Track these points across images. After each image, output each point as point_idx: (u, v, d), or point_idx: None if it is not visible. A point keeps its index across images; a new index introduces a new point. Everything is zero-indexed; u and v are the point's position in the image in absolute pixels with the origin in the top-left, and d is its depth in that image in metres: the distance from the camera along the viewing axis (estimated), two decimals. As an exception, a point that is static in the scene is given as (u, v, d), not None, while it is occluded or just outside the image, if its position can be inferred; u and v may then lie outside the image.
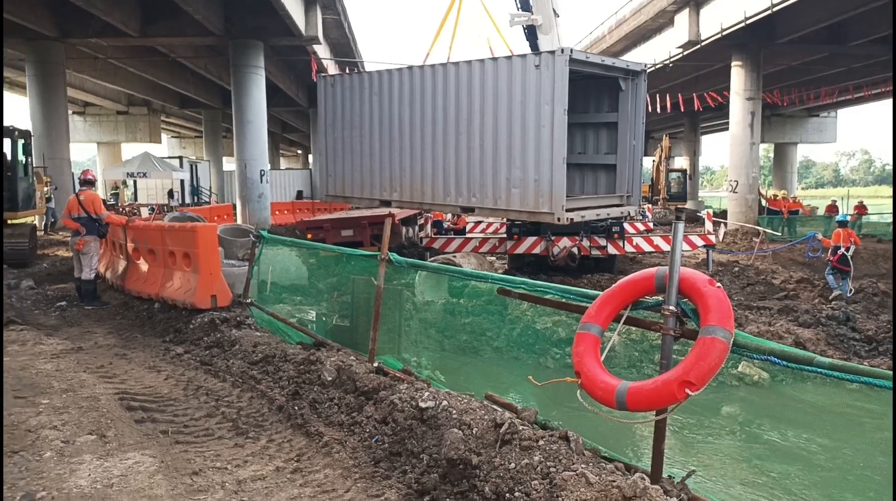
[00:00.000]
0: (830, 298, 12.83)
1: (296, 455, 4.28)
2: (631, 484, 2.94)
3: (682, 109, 29.84)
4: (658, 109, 27.47)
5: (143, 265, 9.39)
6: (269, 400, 5.28)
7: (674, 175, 35.65)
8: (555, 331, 8.35)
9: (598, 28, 34.37)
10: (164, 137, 54.88)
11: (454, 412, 4.02)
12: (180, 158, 40.64)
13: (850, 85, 32.21)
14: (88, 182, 10.25)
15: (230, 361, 6.36)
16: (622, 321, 3.59)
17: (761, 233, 21.04)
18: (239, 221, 22.91)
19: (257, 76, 23.38)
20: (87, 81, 33.13)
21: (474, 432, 3.75)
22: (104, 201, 11.11)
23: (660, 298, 3.45)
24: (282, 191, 39.96)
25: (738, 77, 24.81)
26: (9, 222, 14.31)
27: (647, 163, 40.26)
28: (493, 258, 16.35)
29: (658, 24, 27.56)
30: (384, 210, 16.18)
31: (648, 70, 14.04)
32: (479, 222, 19.18)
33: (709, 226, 16.81)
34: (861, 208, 29.42)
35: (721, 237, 21.99)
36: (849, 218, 18.15)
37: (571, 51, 11.72)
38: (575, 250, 13.99)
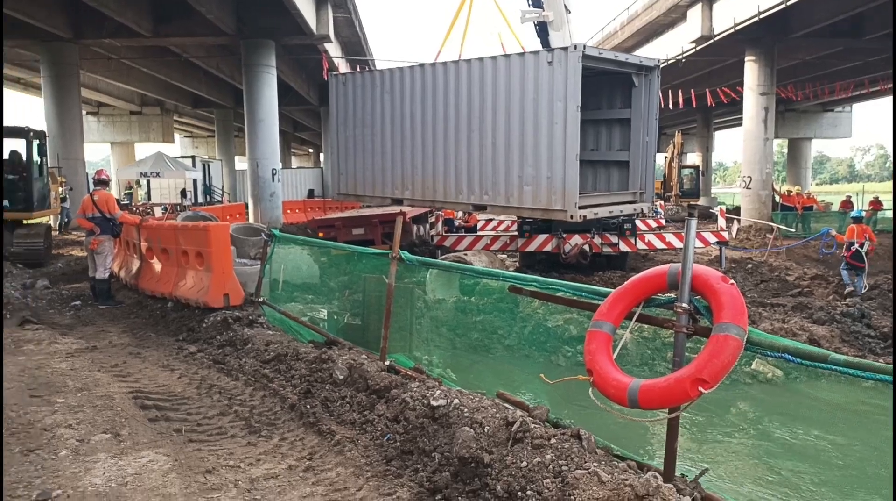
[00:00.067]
0: (845, 294, 12.72)
1: (308, 454, 4.30)
2: (643, 483, 2.92)
3: (695, 105, 29.62)
4: (670, 105, 27.30)
5: (157, 265, 9.44)
6: (281, 399, 5.30)
7: (686, 171, 35.41)
8: (566, 329, 8.31)
9: (610, 24, 34.28)
10: (176, 136, 55.26)
11: (466, 410, 4.01)
12: (193, 157, 40.93)
13: (866, 79, 31.84)
14: (102, 182, 10.32)
15: (243, 359, 6.39)
16: (634, 318, 3.56)
17: (775, 229, 20.87)
18: (251, 219, 23.02)
19: (269, 75, 23.46)
20: (101, 82, 33.38)
21: (486, 430, 3.74)
22: (118, 201, 11.18)
23: (672, 295, 3.42)
24: (293, 190, 40.11)
25: (752, 72, 24.60)
26: (24, 222, 14.46)
27: (660, 159, 40.00)
28: (505, 256, 16.32)
29: (670, 20, 27.39)
30: (395, 208, 16.18)
31: (661, 66, 13.95)
32: (490, 220, 19.14)
33: (722, 222, 16.70)
34: (876, 204, 29.10)
35: (734, 234, 21.87)
36: (864, 214, 17.96)
37: (585, 47, 11.64)
38: (586, 247, 13.94)
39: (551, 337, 8.32)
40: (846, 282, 13.20)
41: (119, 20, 20.02)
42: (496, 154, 12.85)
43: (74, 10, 20.84)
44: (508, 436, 3.65)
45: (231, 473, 4.00)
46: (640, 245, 14.84)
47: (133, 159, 42.01)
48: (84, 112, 31.45)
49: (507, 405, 4.18)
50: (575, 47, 11.60)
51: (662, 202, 30.38)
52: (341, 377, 5.20)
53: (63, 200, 20.07)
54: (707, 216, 27.70)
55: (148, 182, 37.06)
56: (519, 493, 3.29)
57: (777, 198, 28.46)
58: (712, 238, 15.43)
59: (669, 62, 27.71)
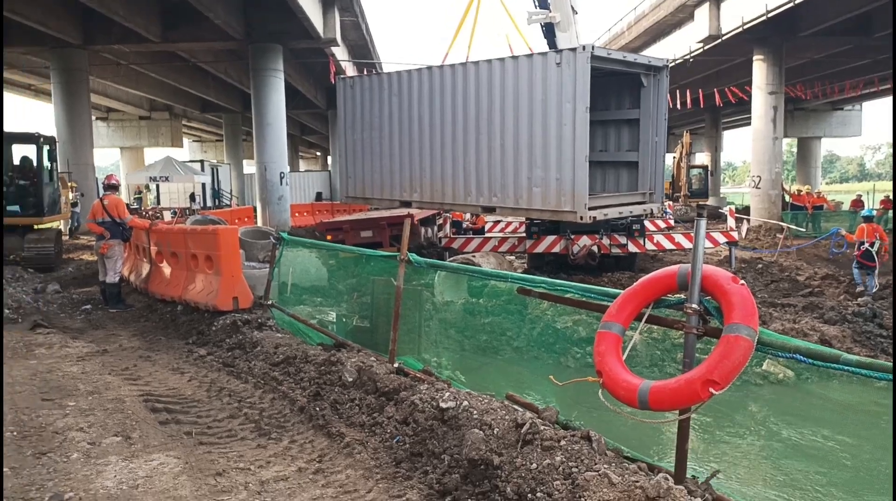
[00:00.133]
0: (856, 293, 12.64)
1: (318, 456, 4.30)
2: (654, 485, 2.91)
3: (703, 105, 29.51)
4: (678, 105, 27.20)
5: (167, 268, 9.49)
6: (290, 401, 5.31)
7: (695, 171, 35.26)
8: (575, 330, 8.29)
9: (617, 24, 34.20)
10: (185, 141, 55.54)
11: (475, 412, 4.01)
12: (202, 161, 41.06)
13: (876, 77, 31.59)
14: (112, 187, 10.40)
15: (252, 362, 6.41)
16: (644, 319, 3.55)
17: (785, 229, 20.75)
18: (259, 223, 23.09)
19: (276, 79, 23.54)
20: (110, 87, 33.60)
21: (495, 432, 3.74)
22: (128, 205, 11.25)
23: (682, 296, 3.41)
24: (301, 193, 40.20)
25: (760, 71, 24.48)
26: (35, 226, 14.58)
27: (668, 160, 39.87)
28: (513, 258, 16.28)
29: (678, 19, 27.30)
30: (403, 211, 16.18)
31: (669, 66, 13.91)
32: (498, 222, 19.13)
33: (731, 223, 16.59)
34: (887, 203, 28.80)
35: (744, 234, 21.74)
36: (874, 213, 17.83)
37: (593, 47, 11.61)
38: (595, 248, 13.90)
39: (560, 339, 8.30)
40: (858, 281, 13.11)
41: (128, 26, 20.14)
42: (505, 156, 12.83)
43: (84, 16, 20.98)
44: (518, 438, 3.64)
45: (241, 475, 4.01)
46: (649, 246, 14.77)
47: (142, 164, 42.26)
48: (94, 117, 31.65)
49: (516, 406, 4.18)
50: (584, 48, 11.56)
51: (671, 203, 30.26)
52: (350, 379, 5.21)
53: (74, 205, 20.20)
54: (716, 216, 27.55)
55: (157, 186, 37.26)
56: (529, 495, 3.28)
57: (787, 197, 28.28)
58: (722, 238, 15.34)
59: (677, 62, 27.62)
